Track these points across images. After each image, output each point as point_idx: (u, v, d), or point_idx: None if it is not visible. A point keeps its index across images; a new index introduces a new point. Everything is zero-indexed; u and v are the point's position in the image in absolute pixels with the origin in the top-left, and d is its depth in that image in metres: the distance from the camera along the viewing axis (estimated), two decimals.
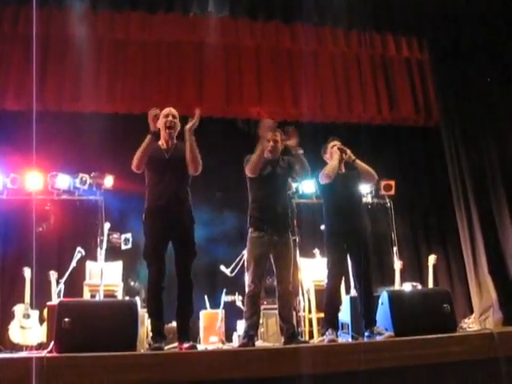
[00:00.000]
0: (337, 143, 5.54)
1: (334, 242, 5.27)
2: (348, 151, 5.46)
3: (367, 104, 9.21)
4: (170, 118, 4.90)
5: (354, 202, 5.44)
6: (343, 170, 5.50)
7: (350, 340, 5.58)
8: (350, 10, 8.54)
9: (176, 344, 4.78)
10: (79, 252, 7.05)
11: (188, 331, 4.68)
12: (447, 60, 9.03)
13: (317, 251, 7.65)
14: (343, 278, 5.48)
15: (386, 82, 9.42)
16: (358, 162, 5.45)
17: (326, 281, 5.30)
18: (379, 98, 9.30)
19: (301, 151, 5.10)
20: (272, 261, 5.00)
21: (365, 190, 8.10)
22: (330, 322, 5.16)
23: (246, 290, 4.98)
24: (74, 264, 7.04)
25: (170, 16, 8.31)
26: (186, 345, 4.48)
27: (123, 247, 7.32)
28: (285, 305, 4.96)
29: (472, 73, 8.97)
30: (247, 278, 5.02)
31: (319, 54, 9.17)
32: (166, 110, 4.93)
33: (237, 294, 7.10)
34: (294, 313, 6.11)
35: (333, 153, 5.48)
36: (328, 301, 5.22)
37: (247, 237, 5.07)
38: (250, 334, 4.82)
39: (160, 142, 4.94)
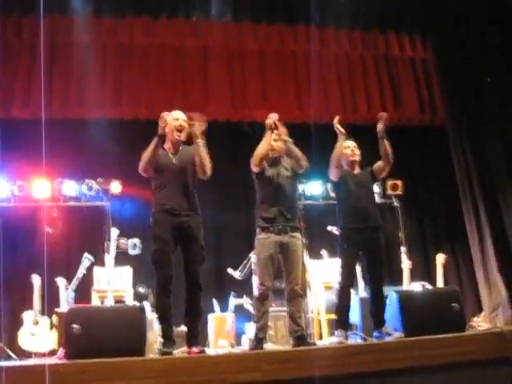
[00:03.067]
0: (349, 144, 5.52)
1: (347, 241, 5.27)
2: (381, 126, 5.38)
3: (372, 104, 9.16)
4: (180, 121, 4.86)
5: (369, 201, 5.43)
6: (357, 171, 5.48)
7: (359, 341, 5.57)
8: (352, 11, 8.52)
9: (185, 348, 4.76)
10: (86, 258, 7.05)
11: (197, 335, 4.69)
12: (451, 58, 8.97)
13: (324, 252, 7.61)
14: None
15: (391, 82, 9.38)
16: (386, 141, 5.38)
17: (339, 280, 5.29)
18: (384, 98, 9.25)
19: (290, 140, 5.11)
20: (280, 262, 4.99)
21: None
22: (341, 322, 5.15)
23: (255, 292, 4.97)
24: (83, 270, 7.04)
25: (174, 21, 8.32)
26: (195, 349, 4.48)
27: (131, 252, 7.32)
28: (293, 306, 4.95)
29: (477, 71, 8.92)
30: (256, 280, 5.00)
31: (323, 55, 9.12)
32: (176, 114, 4.90)
33: (245, 296, 7.09)
34: (303, 314, 6.09)
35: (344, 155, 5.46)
36: (340, 301, 5.21)
37: (254, 238, 5.06)
38: (260, 337, 4.82)
39: (166, 146, 4.90)
